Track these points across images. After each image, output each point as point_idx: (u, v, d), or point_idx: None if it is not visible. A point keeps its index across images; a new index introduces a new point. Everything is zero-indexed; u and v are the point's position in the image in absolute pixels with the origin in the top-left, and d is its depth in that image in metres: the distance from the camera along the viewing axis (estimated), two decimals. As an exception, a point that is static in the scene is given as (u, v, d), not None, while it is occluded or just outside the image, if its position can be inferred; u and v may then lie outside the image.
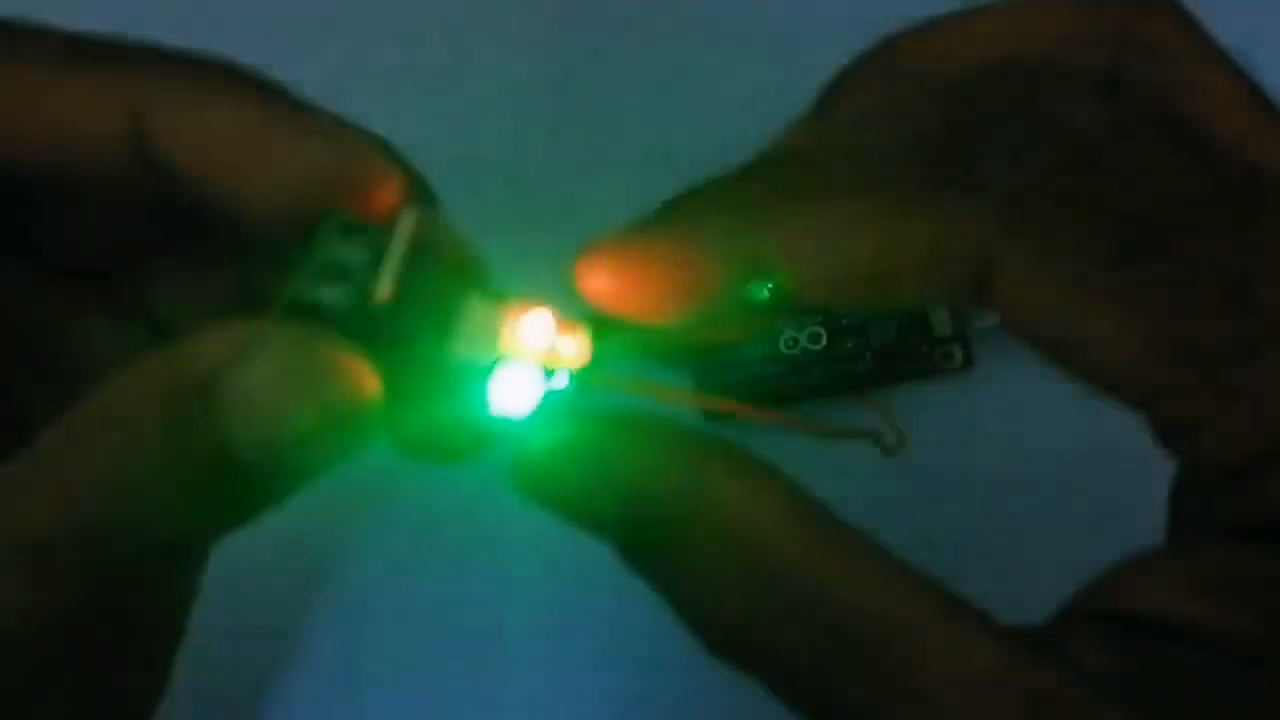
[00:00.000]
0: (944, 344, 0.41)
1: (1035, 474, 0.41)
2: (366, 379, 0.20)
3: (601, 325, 0.23)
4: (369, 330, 0.20)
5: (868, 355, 0.41)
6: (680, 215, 0.22)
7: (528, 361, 0.22)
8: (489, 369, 0.22)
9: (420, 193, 0.23)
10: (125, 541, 0.20)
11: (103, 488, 0.20)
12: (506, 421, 0.22)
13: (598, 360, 0.23)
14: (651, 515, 0.21)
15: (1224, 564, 0.20)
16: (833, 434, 0.25)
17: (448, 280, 0.22)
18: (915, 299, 0.21)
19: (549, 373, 0.22)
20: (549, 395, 0.22)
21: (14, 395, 0.25)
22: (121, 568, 0.20)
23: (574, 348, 0.23)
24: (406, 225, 0.20)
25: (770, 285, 0.22)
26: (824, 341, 0.41)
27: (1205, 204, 0.20)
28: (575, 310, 0.23)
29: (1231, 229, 0.20)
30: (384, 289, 0.20)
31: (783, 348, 0.40)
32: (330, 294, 0.20)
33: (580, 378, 0.23)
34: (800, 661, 0.20)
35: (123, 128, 0.21)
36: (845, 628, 0.20)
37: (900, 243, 0.21)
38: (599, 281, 0.22)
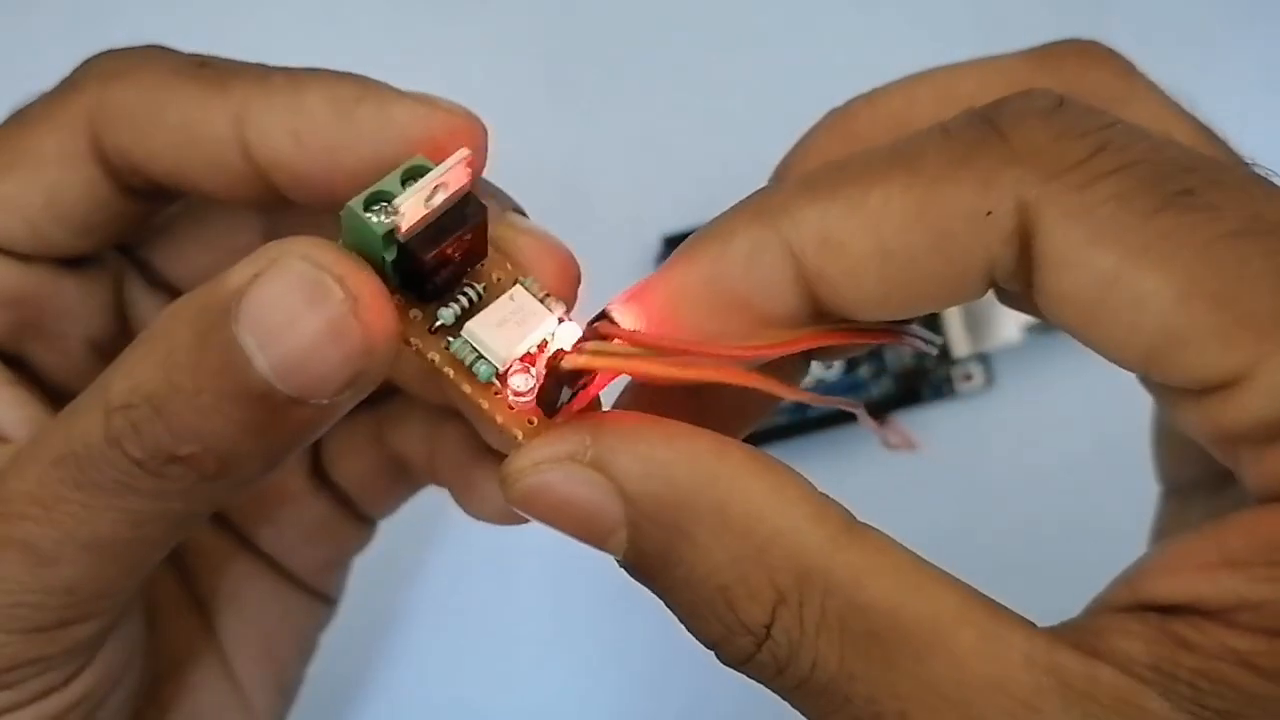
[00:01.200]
0: (963, 364, 0.41)
1: (1055, 488, 0.41)
2: (378, 298, 0.20)
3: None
4: (397, 258, 0.21)
5: (884, 378, 0.40)
6: (705, 237, 0.21)
7: (533, 368, 0.22)
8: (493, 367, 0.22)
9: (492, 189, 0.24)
10: (157, 451, 0.21)
11: (133, 396, 0.21)
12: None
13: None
14: (662, 515, 0.20)
15: (1264, 531, 0.19)
16: (818, 401, 0.24)
17: (497, 262, 0.23)
18: (961, 277, 0.21)
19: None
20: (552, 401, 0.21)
21: None
22: (161, 484, 0.21)
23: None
24: (448, 163, 0.21)
25: None
26: (838, 367, 0.40)
27: (1209, 165, 0.20)
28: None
29: (1242, 183, 0.20)
30: (402, 219, 0.20)
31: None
32: (369, 216, 0.21)
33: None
34: (829, 667, 0.19)
35: (231, 131, 0.23)
36: (879, 628, 0.19)
37: (941, 205, 0.20)
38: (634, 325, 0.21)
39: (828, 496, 0.20)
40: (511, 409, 0.22)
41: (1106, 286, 0.19)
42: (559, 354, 0.21)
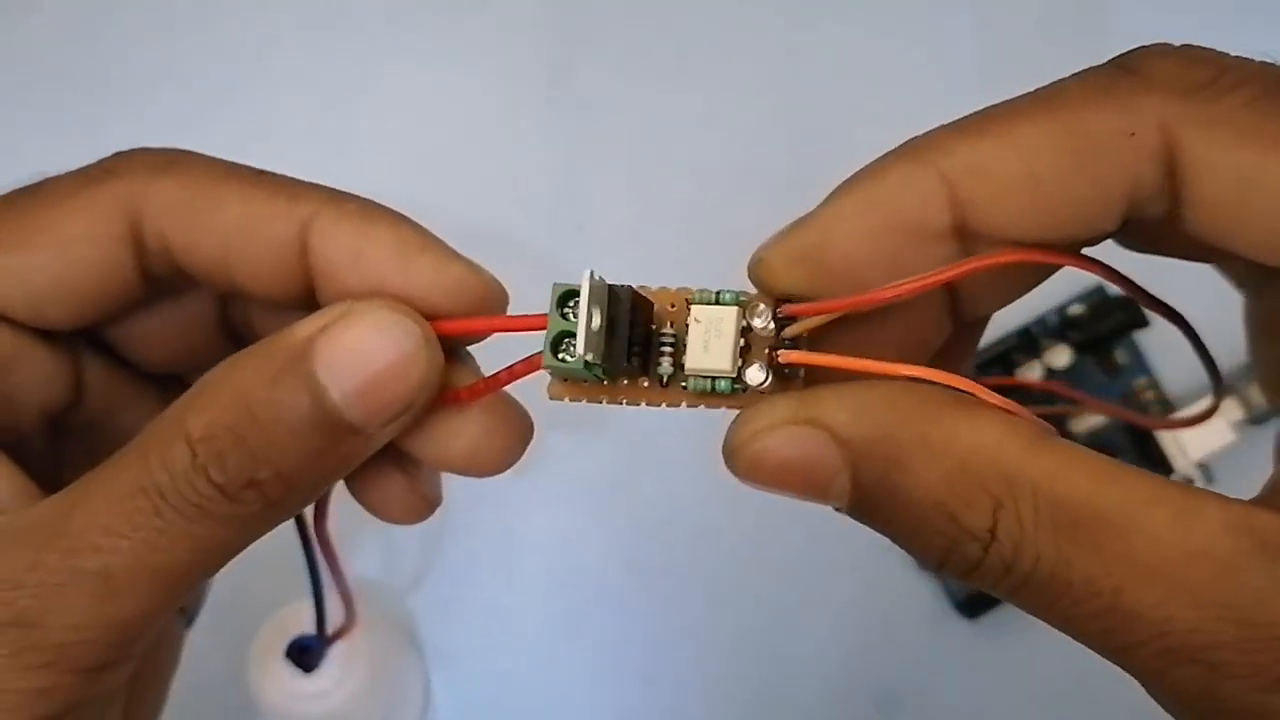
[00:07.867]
0: (1181, 475, 0.46)
1: None
2: (433, 348, 0.24)
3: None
4: (596, 372, 0.25)
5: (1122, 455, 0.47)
6: (861, 173, 0.24)
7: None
8: None
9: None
10: (238, 475, 0.23)
11: (214, 428, 0.23)
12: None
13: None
14: (875, 450, 0.22)
15: None
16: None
17: (663, 310, 0.26)
18: (1104, 198, 0.23)
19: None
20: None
21: (67, 468, 0.27)
22: (234, 509, 0.24)
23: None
24: (585, 286, 0.24)
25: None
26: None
27: None
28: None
29: None
30: (589, 352, 0.24)
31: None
32: (563, 359, 0.24)
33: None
34: (1049, 557, 0.21)
35: (295, 235, 0.25)
36: (1081, 517, 0.21)
37: (1086, 130, 0.22)
38: (785, 275, 0.24)
39: (1020, 415, 0.23)
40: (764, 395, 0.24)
41: (1249, 182, 0.22)
42: (774, 356, 0.24)
